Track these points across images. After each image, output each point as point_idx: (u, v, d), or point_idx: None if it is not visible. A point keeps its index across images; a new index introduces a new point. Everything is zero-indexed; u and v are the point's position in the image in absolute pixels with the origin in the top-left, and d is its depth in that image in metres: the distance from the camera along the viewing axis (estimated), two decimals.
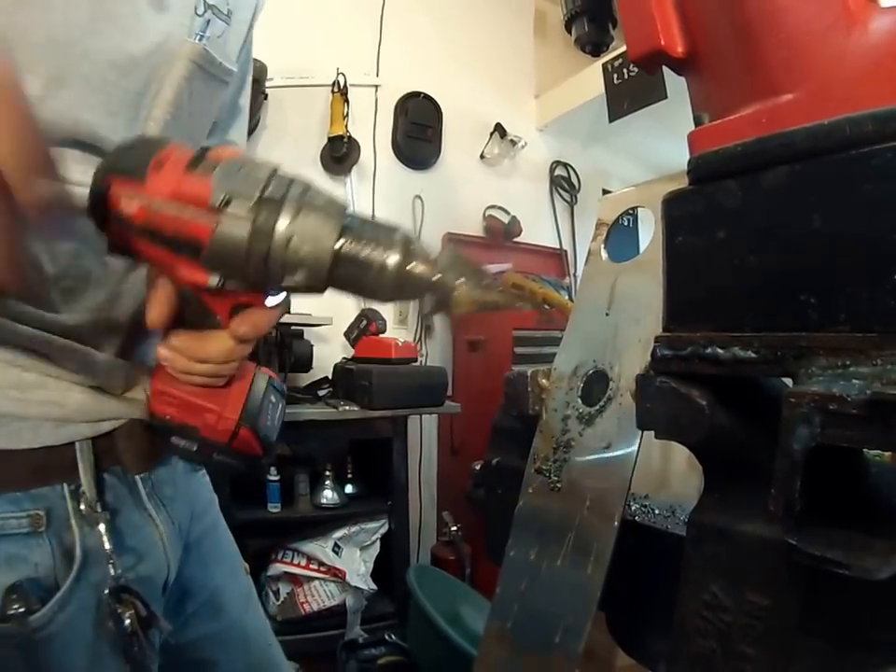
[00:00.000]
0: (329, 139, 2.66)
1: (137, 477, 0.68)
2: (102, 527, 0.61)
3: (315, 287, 0.45)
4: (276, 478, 2.28)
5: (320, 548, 2.28)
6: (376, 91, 2.79)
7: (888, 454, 0.40)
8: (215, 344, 0.52)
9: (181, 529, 0.75)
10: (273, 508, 2.28)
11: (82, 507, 0.60)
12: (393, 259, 0.44)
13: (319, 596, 2.26)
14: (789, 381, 0.33)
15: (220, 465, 0.60)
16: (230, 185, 0.43)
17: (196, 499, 0.82)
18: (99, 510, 0.61)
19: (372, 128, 2.79)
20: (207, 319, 0.51)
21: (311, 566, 2.28)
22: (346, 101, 2.62)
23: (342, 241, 0.44)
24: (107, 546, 0.61)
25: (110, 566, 0.61)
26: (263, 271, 0.44)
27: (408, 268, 0.44)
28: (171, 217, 0.43)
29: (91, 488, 0.61)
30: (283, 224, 0.43)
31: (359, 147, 2.69)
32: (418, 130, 2.85)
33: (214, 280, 0.45)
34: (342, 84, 2.61)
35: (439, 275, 0.44)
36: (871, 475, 0.36)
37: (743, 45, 0.35)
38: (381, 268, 0.44)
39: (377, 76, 2.79)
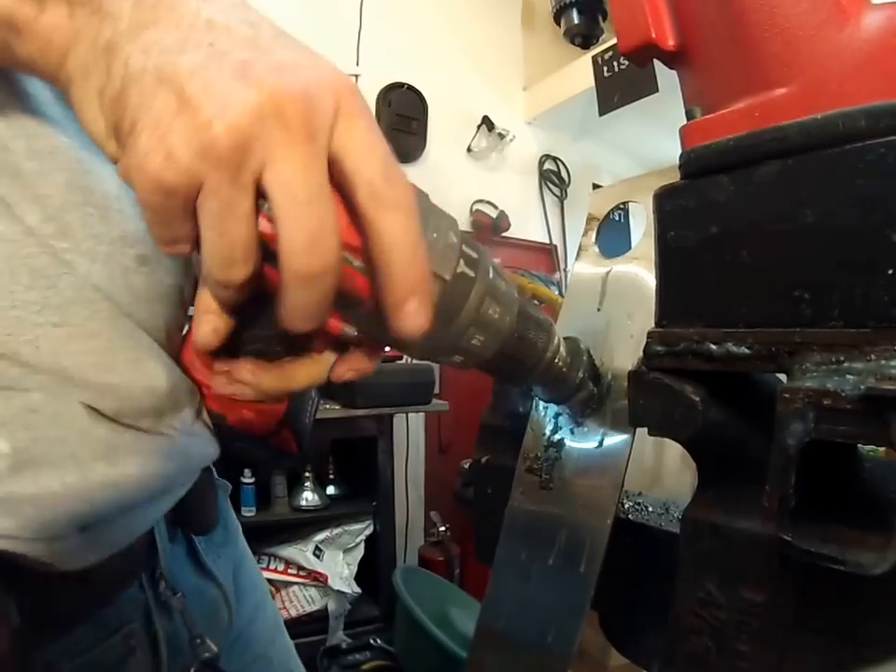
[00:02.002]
0: None
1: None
2: (180, 610, 0.53)
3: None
4: (251, 480, 2.16)
5: (299, 552, 2.22)
6: (357, 80, 2.75)
7: (882, 448, 0.40)
8: (304, 376, 0.40)
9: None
10: (248, 512, 2.16)
11: (160, 592, 0.52)
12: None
13: (298, 602, 2.19)
14: (783, 377, 0.33)
15: (241, 453, 0.56)
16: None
17: (229, 526, 0.71)
18: (174, 592, 0.53)
19: None
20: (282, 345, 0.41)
21: (289, 570, 2.21)
22: None
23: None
24: (188, 630, 0.54)
25: (193, 648, 0.54)
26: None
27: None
28: None
29: (167, 568, 0.53)
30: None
31: None
32: (402, 122, 2.80)
33: (350, 331, 0.37)
34: None
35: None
36: (865, 470, 0.36)
37: (735, 39, 0.35)
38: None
39: (357, 65, 2.74)
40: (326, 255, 0.28)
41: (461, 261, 0.35)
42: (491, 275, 0.37)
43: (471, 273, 0.36)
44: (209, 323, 0.32)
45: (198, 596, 0.58)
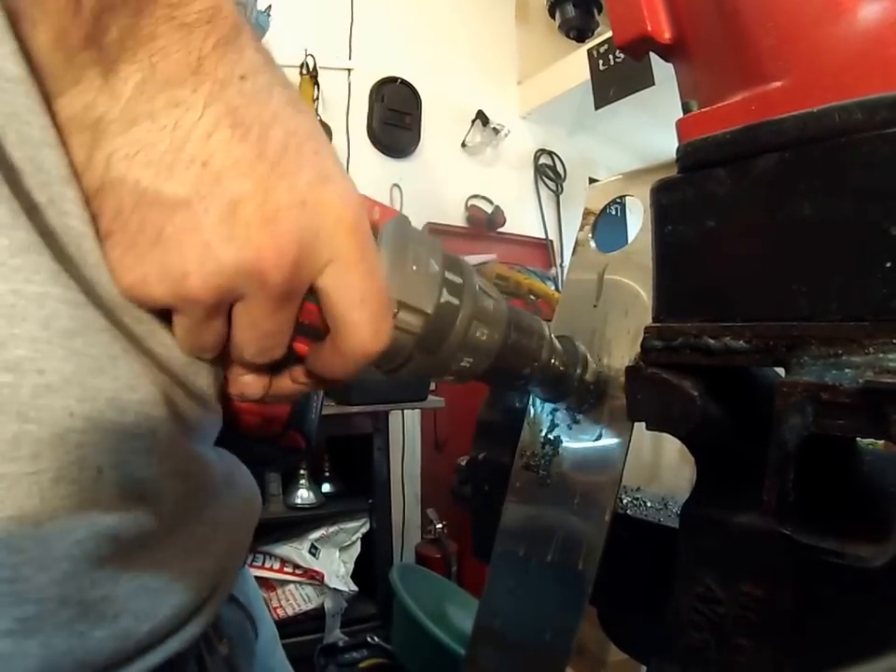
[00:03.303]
0: None
1: None
2: (224, 652, 0.48)
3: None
4: None
5: (295, 550, 2.19)
6: (349, 74, 2.73)
7: (881, 442, 0.40)
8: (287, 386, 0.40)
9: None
10: None
11: (210, 638, 0.47)
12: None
13: (295, 600, 2.17)
14: (781, 371, 0.33)
15: (250, 454, 0.56)
16: (402, 275, 0.33)
17: None
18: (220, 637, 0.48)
19: (345, 113, 2.73)
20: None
21: (285, 569, 2.18)
22: (316, 84, 2.54)
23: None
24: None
25: None
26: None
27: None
28: None
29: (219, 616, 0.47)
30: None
31: (331, 132, 2.64)
32: (396, 116, 2.77)
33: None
34: (311, 66, 2.53)
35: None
36: (864, 463, 0.36)
37: (732, 32, 0.35)
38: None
39: (350, 59, 2.72)
40: (270, 357, 0.31)
41: (444, 290, 0.34)
42: (477, 297, 0.37)
43: (456, 301, 0.35)
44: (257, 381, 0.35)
45: (228, 625, 0.53)
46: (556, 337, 0.45)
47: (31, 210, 0.25)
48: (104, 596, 0.30)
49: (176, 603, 0.35)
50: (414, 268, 0.33)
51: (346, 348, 0.30)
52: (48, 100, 0.25)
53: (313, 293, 0.30)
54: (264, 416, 0.51)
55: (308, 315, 0.31)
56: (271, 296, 0.28)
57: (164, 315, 0.30)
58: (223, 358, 0.33)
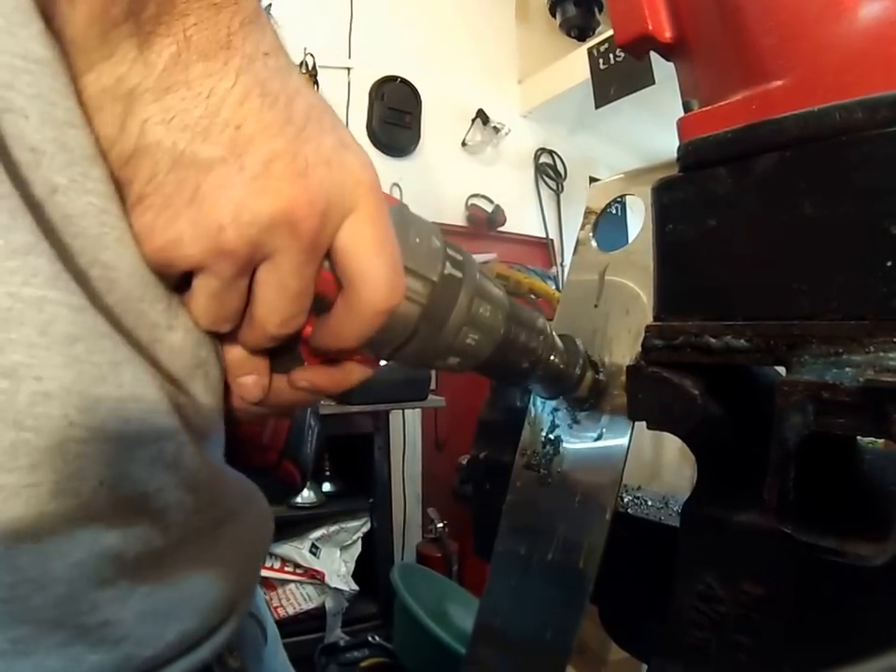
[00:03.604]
0: None
1: None
2: (235, 665, 0.46)
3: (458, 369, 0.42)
4: None
5: (296, 549, 2.19)
6: (349, 73, 2.72)
7: (881, 440, 0.40)
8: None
9: None
10: None
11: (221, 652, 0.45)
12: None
13: (295, 600, 2.16)
14: (781, 370, 0.33)
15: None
16: (407, 246, 0.34)
17: None
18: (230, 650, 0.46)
19: (345, 113, 2.72)
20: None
21: (285, 568, 2.18)
22: (316, 83, 2.53)
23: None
24: None
25: None
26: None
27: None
28: None
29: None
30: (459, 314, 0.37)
31: None
32: (395, 115, 2.76)
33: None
34: (310, 66, 2.52)
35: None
36: (864, 462, 0.36)
37: (732, 30, 0.35)
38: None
39: (349, 58, 2.71)
40: (293, 326, 0.31)
41: (447, 263, 0.35)
42: (477, 277, 0.37)
43: (459, 274, 0.36)
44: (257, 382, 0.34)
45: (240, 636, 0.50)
46: (557, 335, 0.45)
47: (37, 206, 0.25)
48: (105, 620, 0.30)
49: (183, 629, 0.34)
50: (418, 240, 0.34)
51: (361, 302, 0.30)
52: (73, 80, 0.26)
53: (328, 257, 0.31)
54: (260, 443, 0.51)
55: (321, 284, 0.31)
56: (302, 247, 0.28)
57: (172, 321, 0.30)
58: (226, 361, 0.33)
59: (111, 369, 0.27)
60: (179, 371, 0.31)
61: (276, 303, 0.30)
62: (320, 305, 0.32)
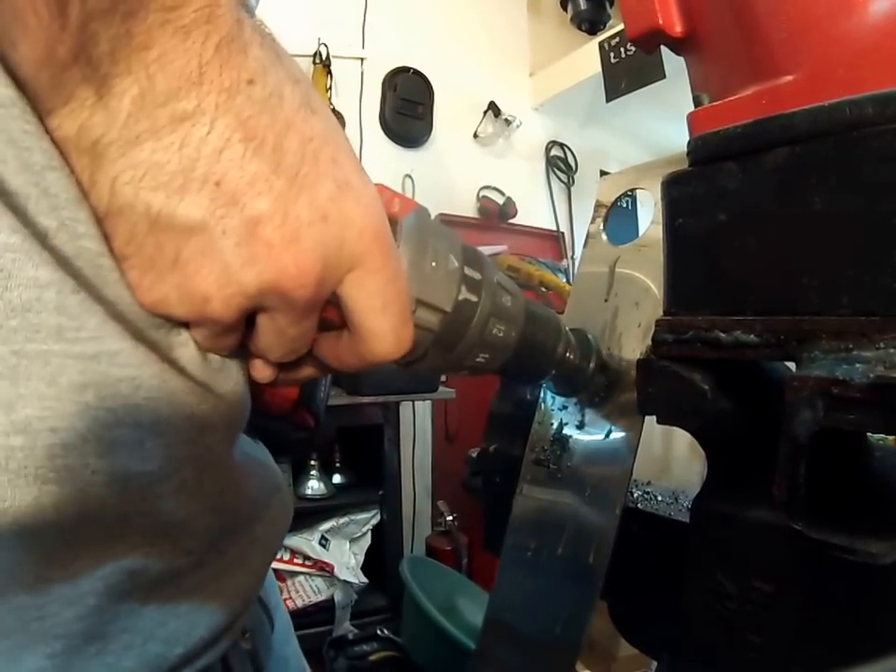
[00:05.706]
0: None
1: None
2: (247, 647, 0.47)
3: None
4: None
5: (305, 541, 2.17)
6: (362, 63, 2.72)
7: (891, 437, 0.40)
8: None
9: None
10: None
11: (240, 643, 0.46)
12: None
13: (304, 592, 2.15)
14: (791, 365, 0.33)
15: (265, 431, 0.57)
16: (421, 273, 0.33)
17: None
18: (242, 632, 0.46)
19: (358, 102, 2.72)
20: None
21: (295, 560, 2.17)
22: (329, 73, 2.55)
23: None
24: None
25: None
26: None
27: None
28: None
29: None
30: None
31: (344, 121, 2.63)
32: (408, 106, 2.76)
33: None
34: (324, 55, 2.53)
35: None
36: (874, 459, 0.36)
37: (743, 25, 0.35)
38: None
39: (363, 48, 2.71)
40: (293, 357, 0.31)
41: (462, 288, 0.34)
42: (495, 293, 0.37)
43: (474, 298, 0.35)
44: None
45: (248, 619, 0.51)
46: (569, 330, 0.45)
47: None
48: (123, 628, 0.30)
49: (212, 623, 0.35)
50: (433, 264, 0.33)
51: (366, 352, 0.30)
52: (42, 119, 0.23)
53: (333, 294, 0.29)
54: (276, 394, 0.52)
55: (328, 312, 0.31)
56: (295, 310, 0.27)
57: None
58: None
59: (127, 412, 0.26)
60: (201, 375, 0.30)
61: (275, 344, 0.30)
62: (326, 325, 0.32)
